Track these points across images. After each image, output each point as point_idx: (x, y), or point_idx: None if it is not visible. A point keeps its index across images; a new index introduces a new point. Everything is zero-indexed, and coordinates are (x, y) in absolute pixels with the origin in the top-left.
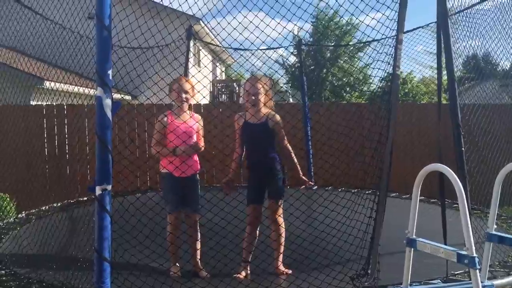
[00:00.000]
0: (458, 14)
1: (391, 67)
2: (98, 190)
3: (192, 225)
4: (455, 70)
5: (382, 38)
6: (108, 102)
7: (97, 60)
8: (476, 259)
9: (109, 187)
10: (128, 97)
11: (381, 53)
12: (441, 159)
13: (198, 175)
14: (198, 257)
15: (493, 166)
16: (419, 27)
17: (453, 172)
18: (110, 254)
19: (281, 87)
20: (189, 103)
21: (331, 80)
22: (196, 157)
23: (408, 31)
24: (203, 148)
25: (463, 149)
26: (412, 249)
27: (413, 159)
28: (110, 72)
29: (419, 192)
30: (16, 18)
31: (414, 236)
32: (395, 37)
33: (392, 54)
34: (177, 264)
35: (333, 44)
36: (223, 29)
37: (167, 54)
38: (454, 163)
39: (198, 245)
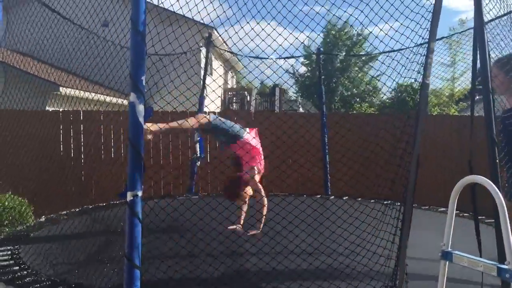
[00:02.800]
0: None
1: (420, 75)
2: (129, 196)
3: None
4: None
5: (410, 47)
6: (141, 108)
7: (131, 66)
8: None
9: (140, 193)
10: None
11: (412, 62)
12: (471, 171)
13: None
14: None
15: None
16: (442, 38)
17: (493, 184)
18: (140, 260)
19: (290, 96)
20: None
21: (340, 90)
22: None
23: (423, 43)
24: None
25: (497, 161)
26: (447, 262)
27: (427, 170)
28: (143, 78)
29: (455, 203)
30: (34, 23)
31: (450, 249)
32: (422, 45)
33: (422, 63)
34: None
35: (359, 53)
36: (240, 38)
37: (187, 63)
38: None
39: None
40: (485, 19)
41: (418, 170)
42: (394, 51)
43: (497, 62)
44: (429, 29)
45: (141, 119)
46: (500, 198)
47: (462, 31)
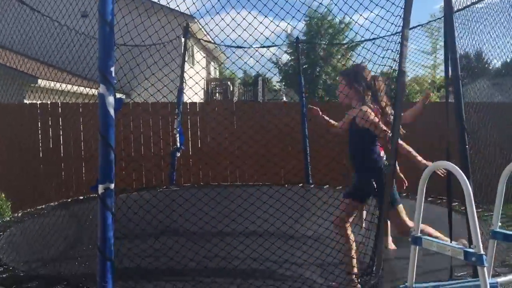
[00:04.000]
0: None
1: (396, 63)
2: (100, 189)
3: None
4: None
5: (386, 35)
6: (111, 99)
7: (100, 57)
8: (484, 257)
9: (112, 186)
10: (121, 95)
11: (387, 49)
12: (448, 158)
13: None
14: None
15: (493, 165)
16: (418, 25)
17: (460, 171)
18: (113, 253)
19: (274, 85)
20: None
21: (324, 79)
22: None
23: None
24: None
25: (467, 146)
26: (417, 247)
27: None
28: (112, 69)
29: (424, 189)
30: (10, 16)
31: (419, 234)
32: (399, 33)
33: (397, 51)
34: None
35: (333, 42)
36: (222, 29)
37: (163, 53)
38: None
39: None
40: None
41: (397, 158)
42: (370, 40)
43: (341, 74)
44: (402, 17)
45: (112, 111)
46: (466, 184)
47: (439, 18)
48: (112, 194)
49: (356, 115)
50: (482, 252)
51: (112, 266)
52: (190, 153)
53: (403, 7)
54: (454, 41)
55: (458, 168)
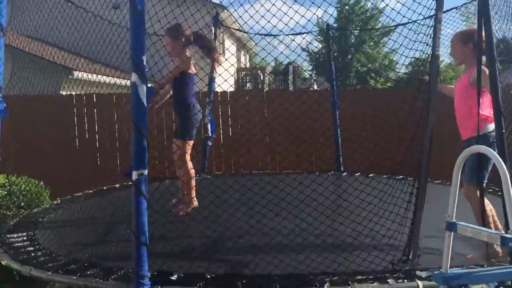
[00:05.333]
0: None
1: (430, 48)
2: (134, 175)
3: None
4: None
5: (417, 20)
6: (143, 88)
7: (131, 47)
8: None
9: (146, 172)
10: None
11: (419, 33)
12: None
13: None
14: None
15: None
16: (452, 8)
17: (497, 155)
18: (148, 239)
19: (305, 73)
20: None
21: (355, 66)
22: None
23: (445, 11)
24: None
25: (504, 131)
26: (452, 232)
27: (444, 144)
28: (144, 58)
29: (459, 174)
30: (45, 8)
31: (454, 220)
32: (433, 16)
33: (430, 35)
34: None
35: (365, 27)
36: (251, 16)
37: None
38: None
39: None
40: None
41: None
42: (402, 24)
43: (168, 30)
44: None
45: (144, 100)
46: (503, 168)
47: (472, 0)
48: (145, 180)
49: None
50: None
51: (146, 250)
52: (222, 141)
53: None
54: (490, 22)
55: (493, 151)
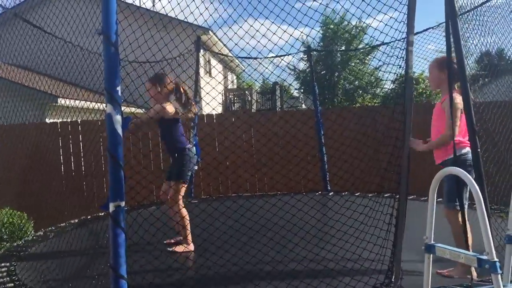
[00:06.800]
0: (468, 13)
1: (403, 70)
2: (111, 207)
3: None
4: (468, 69)
5: (391, 41)
6: (118, 118)
7: (105, 77)
8: (497, 264)
9: (123, 204)
10: (139, 110)
11: (392, 56)
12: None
13: None
14: None
15: None
16: (429, 28)
17: (468, 175)
18: (126, 271)
19: (292, 93)
20: None
21: (342, 84)
22: None
23: (418, 32)
24: None
25: (478, 150)
26: (431, 255)
27: (428, 160)
28: (119, 88)
29: (435, 196)
30: (27, 38)
31: (432, 242)
32: (405, 39)
33: (403, 57)
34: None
35: (342, 49)
36: (230, 38)
37: (175, 67)
38: None
39: None
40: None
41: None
42: (375, 46)
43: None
44: (406, 23)
45: (119, 129)
46: (475, 188)
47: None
48: (123, 212)
49: None
50: (495, 258)
51: (125, 283)
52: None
53: (406, 13)
54: (459, 42)
55: (464, 172)
